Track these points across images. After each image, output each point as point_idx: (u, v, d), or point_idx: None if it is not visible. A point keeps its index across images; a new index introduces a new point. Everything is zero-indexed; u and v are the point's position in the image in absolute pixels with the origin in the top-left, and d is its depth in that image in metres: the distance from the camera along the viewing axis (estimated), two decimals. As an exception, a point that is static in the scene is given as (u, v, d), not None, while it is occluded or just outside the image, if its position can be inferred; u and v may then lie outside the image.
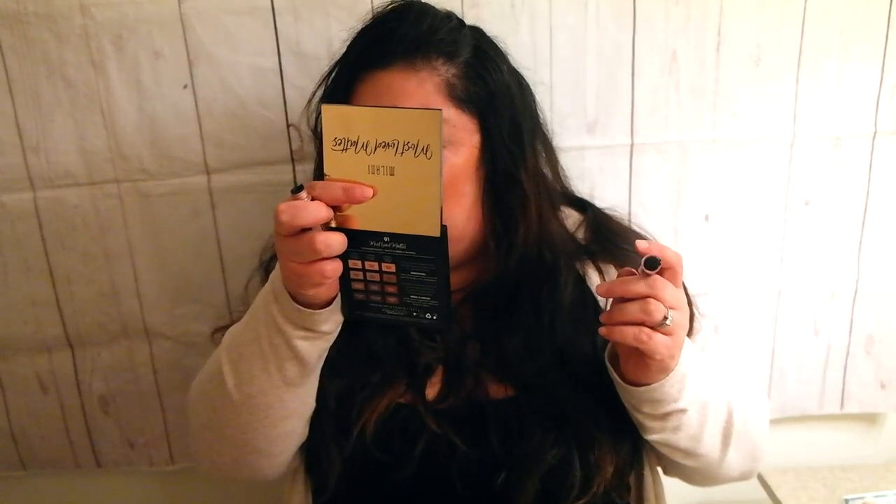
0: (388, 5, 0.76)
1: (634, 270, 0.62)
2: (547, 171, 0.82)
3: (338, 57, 0.77)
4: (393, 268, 0.62)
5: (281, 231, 0.59)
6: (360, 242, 0.61)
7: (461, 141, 0.72)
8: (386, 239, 0.61)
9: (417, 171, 0.58)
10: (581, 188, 0.94)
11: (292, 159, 0.97)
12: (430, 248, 0.60)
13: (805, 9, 0.95)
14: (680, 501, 1.18)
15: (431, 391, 0.76)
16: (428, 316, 0.64)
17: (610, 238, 0.82)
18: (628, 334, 0.61)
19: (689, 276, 0.86)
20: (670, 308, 0.61)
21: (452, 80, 0.71)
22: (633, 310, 0.61)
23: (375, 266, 0.62)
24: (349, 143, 0.58)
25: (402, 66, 0.70)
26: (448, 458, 0.72)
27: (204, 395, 0.74)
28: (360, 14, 0.90)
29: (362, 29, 0.76)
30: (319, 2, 0.92)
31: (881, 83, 0.98)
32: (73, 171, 0.96)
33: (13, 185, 0.97)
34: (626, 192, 1.01)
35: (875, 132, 1.00)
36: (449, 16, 0.76)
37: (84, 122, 0.94)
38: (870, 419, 1.17)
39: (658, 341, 0.61)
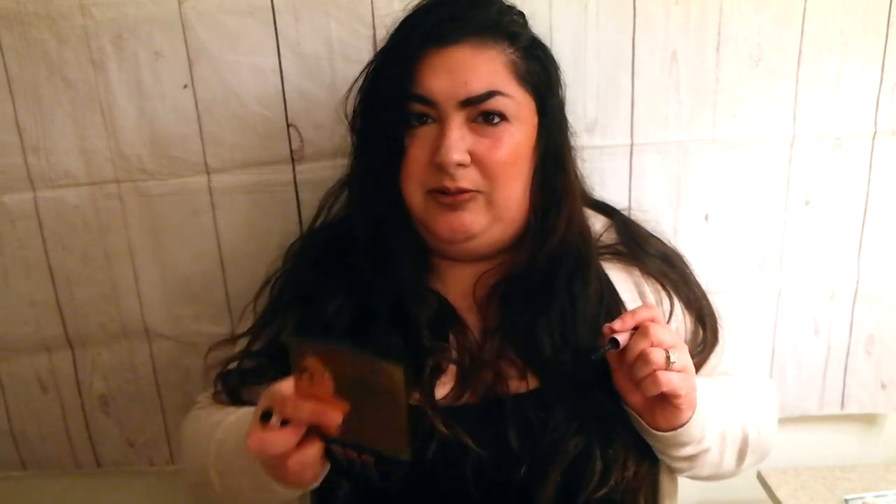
0: None
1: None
2: (576, 162, 0.84)
3: (386, 40, 0.77)
4: (372, 459, 0.63)
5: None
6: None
7: (524, 119, 0.74)
8: (362, 444, 0.61)
9: (385, 407, 0.57)
10: (581, 188, 0.95)
11: (292, 159, 0.97)
12: (402, 461, 0.60)
13: (805, 9, 0.95)
14: (680, 501, 1.18)
15: (442, 390, 0.75)
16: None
17: (638, 243, 0.84)
18: (650, 385, 0.66)
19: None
20: (669, 349, 0.66)
21: (517, 60, 0.74)
22: (639, 366, 0.66)
23: (355, 455, 0.63)
24: (317, 373, 0.58)
25: (474, 44, 0.72)
26: (463, 461, 0.70)
27: (192, 472, 0.77)
28: (360, 14, 0.92)
29: (422, 9, 0.76)
30: (319, 2, 0.92)
31: (881, 83, 0.98)
32: (74, 172, 0.96)
33: (13, 186, 0.97)
34: (625, 192, 1.01)
35: (875, 132, 1.00)
36: (511, 7, 0.78)
37: (84, 122, 0.95)
38: (870, 419, 1.17)
39: (675, 378, 0.66)
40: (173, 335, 1.04)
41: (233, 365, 0.83)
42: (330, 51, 0.93)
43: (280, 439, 0.59)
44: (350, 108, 0.82)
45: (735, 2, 0.94)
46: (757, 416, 0.80)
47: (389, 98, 0.75)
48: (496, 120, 0.73)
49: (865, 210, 1.03)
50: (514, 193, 0.75)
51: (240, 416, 0.72)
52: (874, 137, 1.00)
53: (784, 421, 1.13)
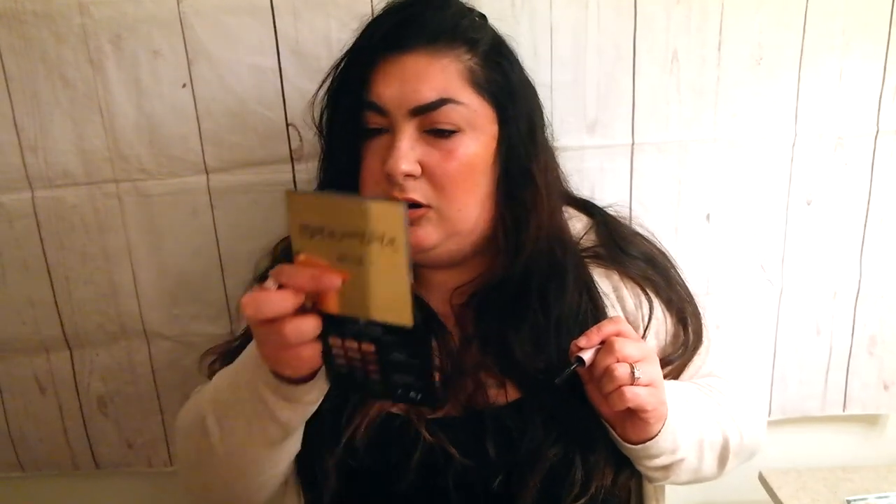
0: None
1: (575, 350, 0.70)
2: (551, 169, 0.81)
3: (349, 45, 0.76)
4: (372, 348, 0.59)
5: (249, 321, 0.58)
6: (338, 322, 0.58)
7: (481, 128, 0.72)
8: (361, 322, 0.58)
9: (385, 261, 0.55)
10: (581, 188, 0.94)
11: (292, 159, 0.97)
12: (408, 335, 0.58)
13: (806, 8, 0.94)
14: (680, 501, 1.18)
15: None
16: (412, 394, 0.62)
17: (619, 244, 0.82)
18: (617, 400, 0.67)
19: (689, 276, 0.87)
20: (635, 363, 0.66)
21: (474, 67, 0.71)
22: (605, 383, 0.67)
23: (355, 346, 0.60)
24: (316, 230, 0.56)
25: (427, 51, 0.70)
26: (445, 469, 0.71)
27: (189, 438, 0.73)
28: (360, 14, 0.90)
29: (381, 14, 0.75)
30: (319, 2, 0.91)
31: (883, 82, 0.98)
32: (72, 171, 0.96)
33: (11, 185, 0.96)
34: (626, 191, 1.00)
35: (877, 132, 1.00)
36: (471, 9, 0.76)
37: (82, 121, 0.94)
38: (872, 420, 1.17)
39: (641, 393, 0.66)
40: (172, 335, 1.04)
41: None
42: (330, 51, 0.93)
43: (276, 297, 0.56)
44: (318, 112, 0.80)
45: (736, 1, 0.94)
46: (740, 420, 0.79)
47: (346, 106, 0.73)
48: (449, 131, 0.70)
49: (867, 210, 1.03)
50: (467, 206, 0.73)
51: (234, 363, 0.71)
52: (876, 137, 1.00)
53: (786, 422, 1.14)
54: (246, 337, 0.82)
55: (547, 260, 0.76)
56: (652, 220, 0.95)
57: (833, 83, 0.97)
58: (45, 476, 1.12)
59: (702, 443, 0.75)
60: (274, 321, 0.56)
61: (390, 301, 0.57)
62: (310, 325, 0.57)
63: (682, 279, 0.85)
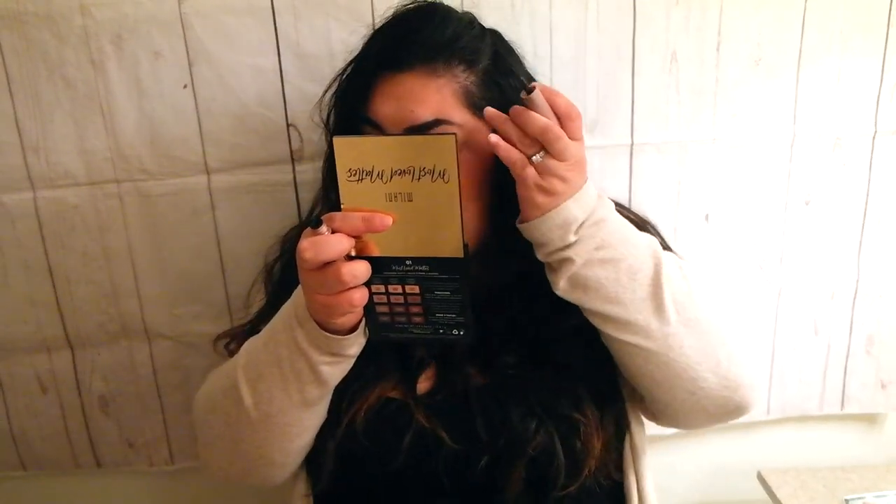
0: (409, 5, 0.76)
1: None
2: None
3: (355, 53, 0.77)
4: (417, 289, 0.63)
5: (305, 266, 0.60)
6: (381, 267, 0.62)
7: (476, 145, 0.72)
8: (408, 262, 0.61)
9: (436, 195, 0.58)
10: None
11: (292, 159, 0.97)
12: (454, 268, 0.61)
13: (805, 8, 0.95)
14: (680, 501, 1.18)
15: (423, 385, 0.77)
16: (454, 332, 0.65)
17: None
18: (508, 155, 0.65)
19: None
20: (547, 153, 0.64)
21: (471, 87, 0.71)
22: (514, 133, 0.65)
23: (399, 289, 0.63)
24: (364, 174, 0.59)
25: (423, 71, 0.70)
26: (435, 453, 0.72)
27: (217, 409, 0.74)
28: (360, 14, 0.92)
29: (382, 27, 0.75)
30: (319, 2, 0.92)
31: (881, 83, 0.98)
32: (73, 172, 0.96)
33: (13, 186, 0.97)
34: (626, 192, 1.00)
35: (875, 132, 1.00)
36: (472, 22, 0.76)
37: (84, 122, 0.94)
38: (870, 419, 1.17)
39: (528, 173, 0.65)
40: (173, 335, 1.04)
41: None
42: (330, 51, 0.93)
43: (333, 239, 0.59)
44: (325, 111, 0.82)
45: (735, 1, 0.94)
46: (690, 278, 0.72)
47: (347, 117, 0.75)
48: None
49: (865, 210, 1.03)
50: (465, 220, 0.72)
51: (264, 330, 0.72)
52: (874, 137, 1.00)
53: (784, 421, 1.14)
54: (258, 319, 0.83)
55: (534, 262, 0.76)
56: (651, 220, 0.95)
57: (831, 84, 0.98)
58: (47, 475, 1.13)
59: (617, 264, 0.68)
60: (329, 265, 0.59)
61: (440, 234, 0.60)
62: (362, 267, 0.61)
63: (660, 234, 0.87)
